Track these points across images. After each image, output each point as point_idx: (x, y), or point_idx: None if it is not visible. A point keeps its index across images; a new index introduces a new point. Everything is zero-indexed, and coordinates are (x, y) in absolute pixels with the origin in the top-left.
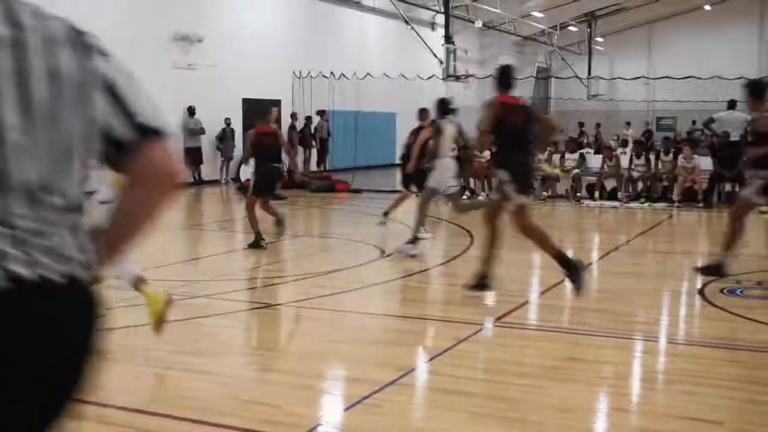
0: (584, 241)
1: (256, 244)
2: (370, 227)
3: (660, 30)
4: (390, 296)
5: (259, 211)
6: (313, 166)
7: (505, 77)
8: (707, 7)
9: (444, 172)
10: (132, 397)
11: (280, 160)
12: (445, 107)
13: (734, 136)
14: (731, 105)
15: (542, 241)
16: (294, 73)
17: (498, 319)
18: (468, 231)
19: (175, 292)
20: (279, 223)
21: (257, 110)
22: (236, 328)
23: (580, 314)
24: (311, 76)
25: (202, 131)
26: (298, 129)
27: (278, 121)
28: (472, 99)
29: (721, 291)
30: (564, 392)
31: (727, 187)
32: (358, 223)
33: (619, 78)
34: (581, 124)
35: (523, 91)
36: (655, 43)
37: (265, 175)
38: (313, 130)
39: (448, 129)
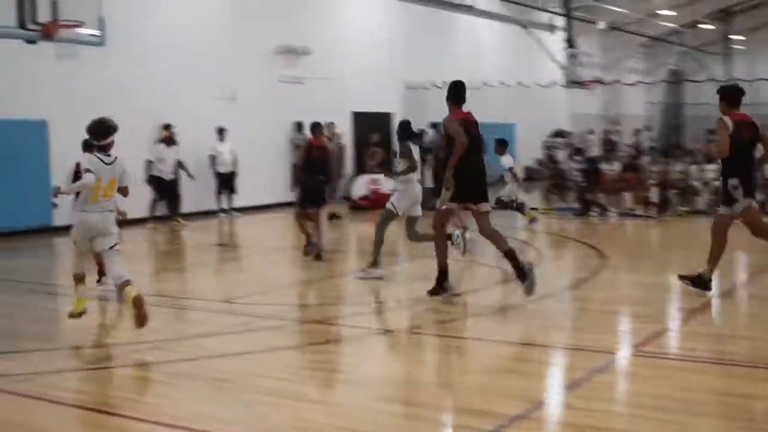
0: (728, 261)
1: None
2: (491, 246)
3: None
4: (516, 322)
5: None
6: (428, 183)
7: (459, 93)
8: None
9: (407, 195)
10: (243, 427)
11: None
12: (407, 131)
13: None
14: None
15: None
16: (405, 84)
17: (635, 347)
18: (599, 250)
19: (287, 317)
20: (309, 242)
21: (369, 124)
22: (353, 355)
23: (727, 342)
24: (423, 87)
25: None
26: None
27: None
28: (597, 106)
29: None
30: (710, 430)
31: None
32: (478, 242)
33: (762, 79)
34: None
35: (652, 96)
36: None
37: (310, 187)
38: (426, 144)
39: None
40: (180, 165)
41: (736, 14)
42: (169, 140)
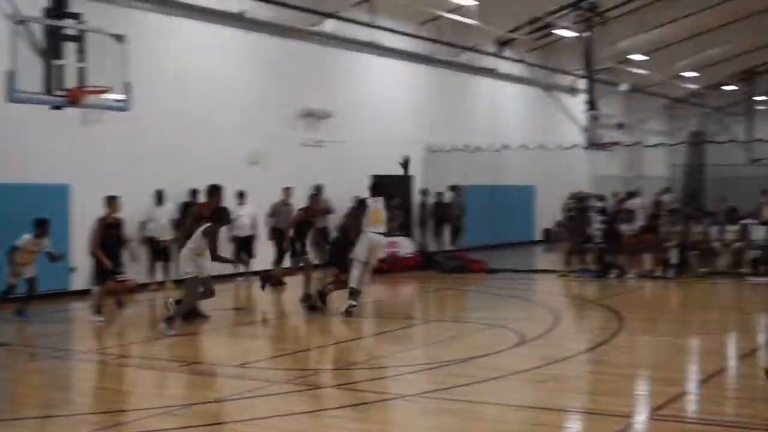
0: (749, 322)
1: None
2: (508, 310)
3: None
4: (532, 386)
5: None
6: (447, 245)
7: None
8: None
9: (364, 245)
10: None
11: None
12: (378, 187)
13: None
14: None
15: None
16: (426, 146)
17: (654, 411)
18: (617, 312)
19: (300, 382)
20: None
21: (389, 187)
22: (365, 422)
23: (748, 405)
24: (443, 150)
25: (329, 211)
26: (429, 205)
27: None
28: (618, 167)
29: None
30: None
31: None
32: (494, 306)
33: None
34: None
35: (676, 158)
36: None
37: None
38: (447, 207)
39: (371, 206)
40: (172, 224)
41: (759, 75)
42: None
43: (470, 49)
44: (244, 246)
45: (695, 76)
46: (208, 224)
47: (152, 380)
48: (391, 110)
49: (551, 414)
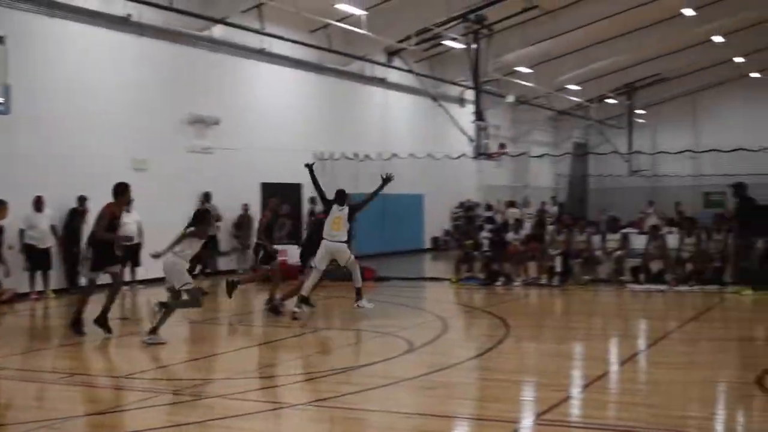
0: (629, 328)
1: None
2: (398, 318)
3: (705, 100)
4: (420, 393)
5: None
6: None
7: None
8: (755, 75)
9: (321, 252)
10: None
11: None
12: (341, 196)
13: None
14: None
15: None
16: (315, 154)
17: (539, 416)
18: (503, 320)
19: (187, 392)
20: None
21: (278, 195)
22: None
23: (628, 409)
24: (333, 158)
25: (218, 218)
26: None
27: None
28: (505, 177)
29: None
30: None
31: None
32: (384, 313)
33: (663, 152)
34: (651, 203)
35: (560, 168)
36: (701, 114)
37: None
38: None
39: (333, 213)
40: (53, 231)
41: (638, 89)
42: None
43: (360, 58)
44: (130, 254)
45: (578, 90)
46: (192, 228)
47: (32, 393)
48: (280, 118)
49: (439, 421)
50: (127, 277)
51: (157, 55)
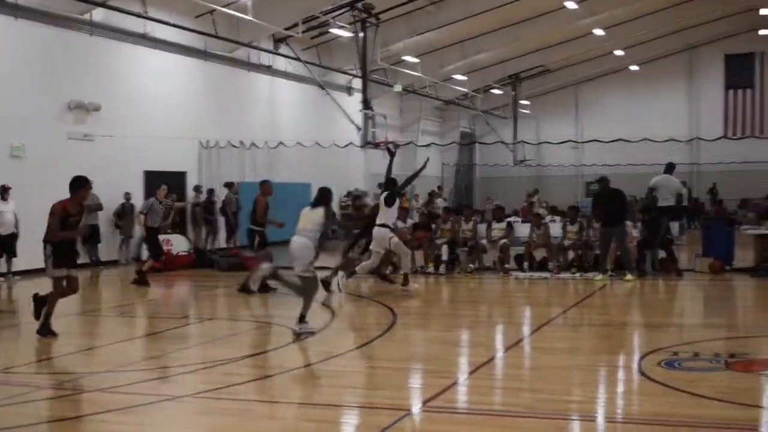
0: (514, 315)
1: None
2: (284, 308)
3: (588, 91)
4: (308, 382)
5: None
6: (222, 243)
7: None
8: (634, 68)
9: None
10: None
11: None
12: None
13: (668, 201)
14: (669, 168)
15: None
16: (201, 142)
17: (425, 402)
18: (391, 308)
19: (68, 386)
20: None
21: (162, 183)
22: (135, 425)
23: (513, 394)
24: (219, 146)
25: (99, 207)
26: (202, 202)
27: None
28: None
29: (659, 364)
30: None
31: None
32: (271, 303)
33: (546, 142)
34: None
35: (447, 157)
36: (583, 105)
37: None
38: (221, 204)
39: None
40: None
41: (523, 80)
42: None
43: (246, 44)
44: (7, 245)
45: (465, 80)
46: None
47: None
48: (164, 104)
49: (325, 410)
50: (2, 268)
51: (35, 39)
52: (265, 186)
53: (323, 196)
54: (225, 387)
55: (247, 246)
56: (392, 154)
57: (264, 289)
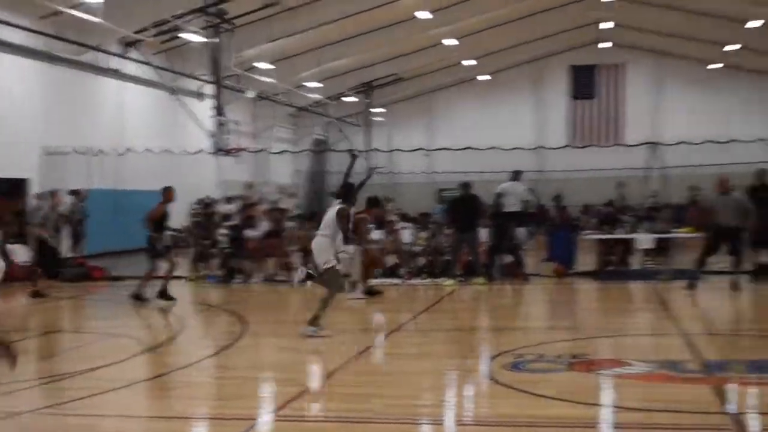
0: (365, 321)
1: None
2: (131, 318)
3: (440, 100)
4: (155, 394)
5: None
6: (66, 253)
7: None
8: (484, 77)
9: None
10: None
11: None
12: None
13: (514, 207)
14: (515, 176)
15: None
16: (43, 148)
17: (276, 411)
18: (241, 317)
19: None
20: None
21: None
22: None
23: (364, 400)
24: (64, 153)
25: None
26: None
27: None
28: (245, 173)
29: (505, 367)
30: None
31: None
32: (117, 314)
33: (397, 150)
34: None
35: (299, 164)
36: (436, 114)
37: None
38: (68, 212)
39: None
40: None
41: (376, 88)
42: None
43: (94, 48)
44: None
45: (319, 87)
46: None
47: None
48: (5, 109)
49: (174, 422)
50: None
51: None
52: (169, 192)
53: (343, 191)
54: (67, 402)
55: (149, 254)
56: (354, 158)
57: (163, 296)
